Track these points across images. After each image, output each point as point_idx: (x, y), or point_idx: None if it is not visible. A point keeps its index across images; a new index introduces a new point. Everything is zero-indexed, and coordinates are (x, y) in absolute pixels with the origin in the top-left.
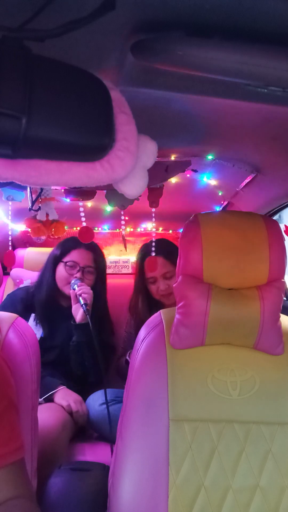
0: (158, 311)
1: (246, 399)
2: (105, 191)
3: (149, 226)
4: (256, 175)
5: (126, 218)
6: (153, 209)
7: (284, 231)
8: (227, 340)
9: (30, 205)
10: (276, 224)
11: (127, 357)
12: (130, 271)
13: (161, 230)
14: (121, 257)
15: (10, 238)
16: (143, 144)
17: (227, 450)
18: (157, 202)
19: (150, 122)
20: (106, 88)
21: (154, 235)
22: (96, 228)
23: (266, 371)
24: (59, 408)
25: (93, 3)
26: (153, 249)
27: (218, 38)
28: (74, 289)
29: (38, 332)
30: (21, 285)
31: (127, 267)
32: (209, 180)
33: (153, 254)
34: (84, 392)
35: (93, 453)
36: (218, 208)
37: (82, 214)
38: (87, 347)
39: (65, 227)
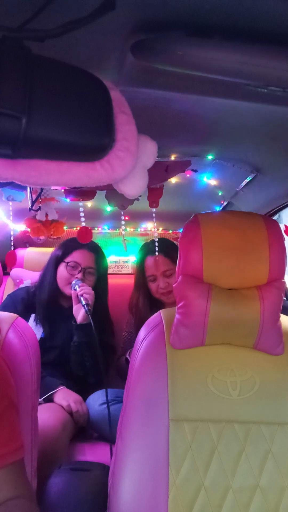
0: (158, 311)
1: (246, 399)
2: (105, 191)
3: (149, 226)
4: (256, 175)
5: (126, 218)
6: (153, 209)
7: (284, 231)
8: (227, 340)
9: (30, 205)
10: (276, 224)
11: (127, 356)
12: (130, 271)
13: (161, 230)
14: (121, 257)
15: (12, 238)
16: (143, 144)
17: (227, 450)
18: (157, 202)
19: (150, 122)
20: (106, 88)
21: (156, 234)
22: (96, 228)
23: (266, 371)
24: (59, 408)
25: (93, 3)
26: (156, 248)
27: (218, 38)
28: (75, 290)
29: (38, 332)
30: (21, 285)
31: (127, 267)
32: (209, 180)
33: (156, 253)
34: (84, 392)
35: (93, 453)
36: (218, 208)
37: (82, 214)
38: (88, 348)
39: (65, 227)
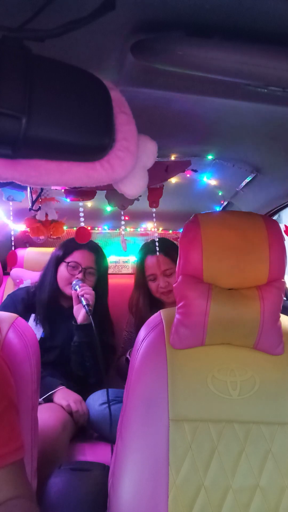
0: (158, 311)
1: (246, 399)
2: (105, 191)
3: (149, 226)
4: (256, 175)
5: (126, 218)
6: (153, 209)
7: (284, 231)
8: (227, 340)
9: (30, 205)
10: (276, 224)
11: (128, 356)
12: (130, 271)
13: (161, 230)
14: (121, 257)
15: (12, 238)
16: (143, 144)
17: (227, 450)
18: (157, 202)
19: (150, 122)
20: (106, 88)
21: (156, 234)
22: (96, 228)
23: (266, 371)
24: (59, 408)
25: (93, 3)
26: (157, 248)
27: (218, 38)
28: (76, 290)
29: (38, 332)
30: (21, 285)
31: (127, 267)
32: (209, 180)
33: (157, 253)
34: (84, 392)
35: (93, 453)
36: (218, 208)
37: (82, 214)
38: (88, 348)
39: (65, 227)
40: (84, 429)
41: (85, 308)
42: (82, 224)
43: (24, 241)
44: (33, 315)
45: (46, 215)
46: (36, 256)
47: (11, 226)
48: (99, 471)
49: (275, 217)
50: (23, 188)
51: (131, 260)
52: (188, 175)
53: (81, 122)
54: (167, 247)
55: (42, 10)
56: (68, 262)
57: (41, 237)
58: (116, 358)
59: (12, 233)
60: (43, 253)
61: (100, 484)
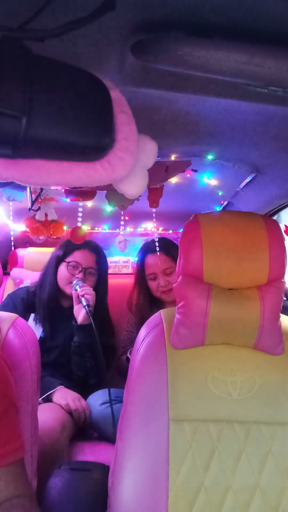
0: (158, 311)
1: (246, 399)
2: (105, 191)
3: (149, 226)
4: (256, 175)
5: (126, 218)
6: (153, 209)
7: (284, 231)
8: (227, 340)
9: (30, 205)
10: (276, 224)
11: (128, 355)
12: (130, 271)
13: (161, 230)
14: (121, 257)
15: (12, 239)
16: (143, 144)
17: (227, 450)
18: (157, 202)
19: (150, 122)
20: (106, 88)
21: (156, 234)
22: (96, 228)
23: (266, 371)
24: (58, 408)
25: (93, 3)
26: (157, 248)
27: (218, 38)
28: (76, 290)
29: (38, 332)
30: (21, 285)
31: (127, 267)
32: (209, 180)
33: (158, 253)
34: (84, 392)
35: (93, 453)
36: (218, 208)
37: (80, 214)
38: (88, 348)
39: (65, 227)
40: (84, 429)
41: (86, 309)
42: (79, 224)
43: (24, 241)
44: (32, 315)
45: (46, 215)
46: (36, 256)
47: (11, 226)
48: (99, 471)
49: (275, 217)
50: (23, 188)
51: (131, 260)
52: (188, 175)
53: (81, 122)
54: (167, 246)
55: (42, 10)
56: (69, 262)
57: (41, 237)
58: (117, 358)
59: (12, 233)
60: (43, 253)
61: (100, 484)
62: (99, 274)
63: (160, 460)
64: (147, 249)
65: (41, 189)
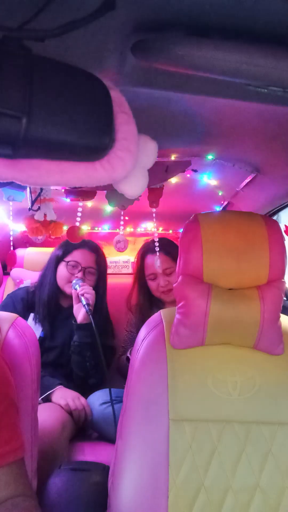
0: (158, 311)
1: (246, 399)
2: (105, 191)
3: (149, 226)
4: (256, 175)
5: (126, 218)
6: (153, 209)
7: (284, 231)
8: (227, 340)
9: (30, 205)
10: (276, 224)
11: (128, 354)
12: (130, 271)
13: (161, 230)
14: (121, 257)
15: (11, 238)
16: (143, 144)
17: (227, 450)
18: (157, 202)
19: (150, 122)
20: (106, 88)
21: (156, 234)
22: (96, 228)
23: (266, 371)
24: (58, 407)
25: (93, 3)
26: (157, 248)
27: (218, 38)
28: (76, 289)
29: (37, 332)
30: (21, 285)
31: (127, 267)
32: (209, 180)
33: (157, 253)
34: (84, 393)
35: (93, 453)
36: (218, 208)
37: (79, 214)
38: (88, 348)
39: (65, 227)
40: (84, 429)
41: (85, 308)
42: (78, 223)
43: (24, 241)
44: (32, 314)
45: (45, 215)
46: (36, 256)
47: (11, 226)
48: (99, 471)
49: (274, 217)
50: (23, 188)
51: (131, 260)
52: (188, 175)
53: (81, 122)
54: (167, 246)
55: (42, 10)
56: (68, 261)
57: (39, 237)
58: (117, 358)
59: (11, 233)
60: (43, 253)
61: (100, 484)
62: (98, 273)
63: (160, 460)
64: (147, 249)
65: (41, 189)
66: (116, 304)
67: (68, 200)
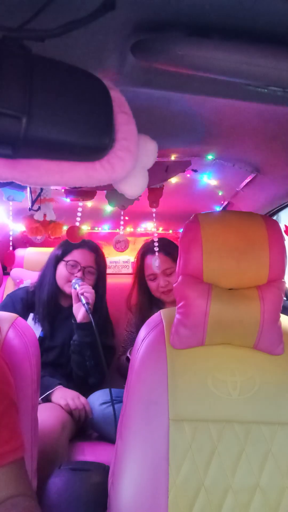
0: (158, 311)
1: (246, 399)
2: (105, 191)
3: (149, 226)
4: (256, 175)
5: (126, 218)
6: (153, 209)
7: (284, 231)
8: (227, 340)
9: (30, 205)
10: (276, 224)
11: (128, 355)
12: (130, 271)
13: (161, 230)
14: (121, 257)
15: (10, 238)
16: (143, 144)
17: (227, 450)
18: (157, 202)
19: (150, 122)
20: (106, 88)
21: (156, 235)
22: (96, 228)
23: (266, 371)
24: (58, 407)
25: (93, 3)
26: (156, 248)
27: (218, 38)
28: (75, 288)
29: (37, 331)
30: (21, 285)
31: (127, 267)
32: (209, 180)
33: (156, 253)
34: (84, 393)
35: (93, 453)
36: (218, 208)
37: (79, 214)
38: (88, 347)
39: (65, 227)
40: (84, 429)
41: (85, 307)
42: (78, 223)
43: (24, 241)
44: (31, 314)
45: (44, 215)
46: (36, 256)
47: (10, 226)
48: (99, 471)
49: (274, 217)
50: (23, 188)
51: (131, 260)
52: (188, 175)
53: (81, 122)
54: (167, 246)
55: (42, 10)
56: (67, 261)
57: (38, 237)
58: (117, 357)
59: (11, 233)
60: (43, 253)
61: (100, 484)
62: (98, 273)
63: (160, 460)
64: (147, 249)
65: (41, 189)
66: (116, 304)
67: (68, 200)
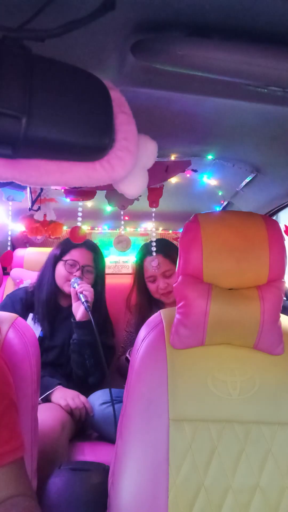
0: (158, 311)
1: (246, 399)
2: (105, 191)
3: (149, 226)
4: (256, 175)
5: (126, 218)
6: (153, 209)
7: (284, 231)
8: (227, 340)
9: (30, 205)
10: (276, 224)
11: (127, 355)
12: (130, 271)
13: (161, 230)
14: (121, 257)
15: (9, 238)
16: (143, 144)
17: (227, 450)
18: (157, 202)
19: (150, 122)
20: (106, 88)
21: (154, 235)
22: (96, 228)
23: (266, 371)
24: (58, 407)
25: (93, 3)
26: (154, 249)
27: (218, 38)
28: (74, 287)
29: (37, 331)
30: (21, 285)
31: (127, 267)
32: (209, 180)
33: (154, 254)
34: (84, 393)
35: (93, 453)
36: (218, 208)
37: (80, 214)
38: (88, 346)
39: (65, 227)
40: (84, 429)
41: (84, 305)
42: (79, 224)
43: (24, 241)
44: (31, 314)
45: (44, 215)
46: (36, 256)
47: (10, 226)
48: (99, 471)
49: (274, 217)
50: (23, 188)
51: (131, 260)
52: (188, 175)
53: (81, 122)
54: (167, 248)
55: (42, 10)
56: (66, 260)
57: (38, 237)
58: (116, 358)
59: (10, 233)
60: (43, 253)
61: (100, 484)
62: (96, 272)
63: (160, 460)
64: (146, 251)
65: (41, 189)
66: (116, 304)
67: (68, 200)
